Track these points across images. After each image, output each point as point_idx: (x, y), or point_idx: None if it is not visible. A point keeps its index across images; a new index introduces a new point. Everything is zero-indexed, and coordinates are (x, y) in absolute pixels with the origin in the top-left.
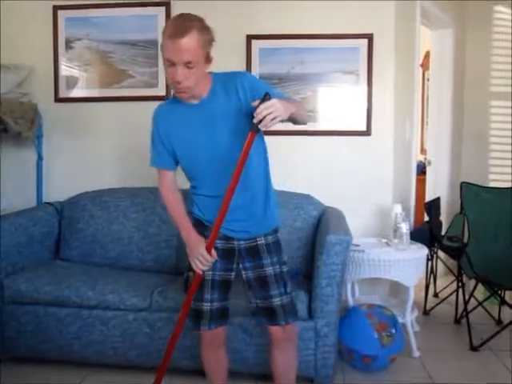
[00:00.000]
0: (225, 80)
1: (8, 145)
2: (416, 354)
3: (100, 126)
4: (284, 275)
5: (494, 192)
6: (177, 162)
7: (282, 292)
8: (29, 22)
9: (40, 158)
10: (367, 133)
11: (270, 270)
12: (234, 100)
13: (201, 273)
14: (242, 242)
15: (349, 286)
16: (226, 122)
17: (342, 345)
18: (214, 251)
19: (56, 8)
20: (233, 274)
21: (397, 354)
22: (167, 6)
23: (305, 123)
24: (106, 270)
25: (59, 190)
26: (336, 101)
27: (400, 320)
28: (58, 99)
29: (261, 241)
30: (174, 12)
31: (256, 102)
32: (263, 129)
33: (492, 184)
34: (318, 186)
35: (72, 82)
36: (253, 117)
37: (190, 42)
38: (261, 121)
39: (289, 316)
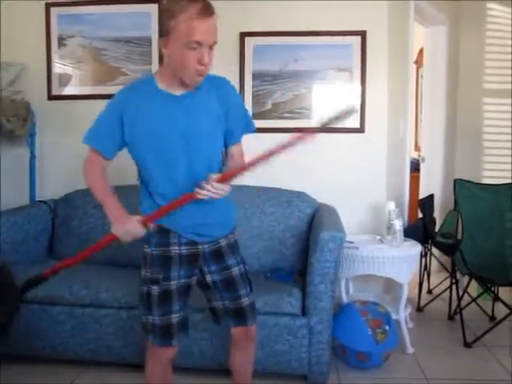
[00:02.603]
0: (213, 80)
1: (1, 143)
2: (410, 350)
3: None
4: (247, 274)
5: (488, 189)
6: (113, 155)
7: (248, 291)
8: (21, 19)
9: (33, 155)
10: (361, 130)
11: (236, 271)
12: (217, 102)
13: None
14: (205, 246)
15: (343, 283)
16: (205, 120)
17: (336, 342)
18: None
19: (48, 5)
20: (195, 278)
21: (391, 350)
22: (160, 2)
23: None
24: (99, 268)
25: (53, 187)
26: (329, 98)
27: (394, 317)
28: (50, 97)
29: (223, 242)
30: None
31: (214, 177)
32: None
33: (486, 181)
34: (312, 183)
35: (65, 79)
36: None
37: (215, 22)
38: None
39: (254, 316)
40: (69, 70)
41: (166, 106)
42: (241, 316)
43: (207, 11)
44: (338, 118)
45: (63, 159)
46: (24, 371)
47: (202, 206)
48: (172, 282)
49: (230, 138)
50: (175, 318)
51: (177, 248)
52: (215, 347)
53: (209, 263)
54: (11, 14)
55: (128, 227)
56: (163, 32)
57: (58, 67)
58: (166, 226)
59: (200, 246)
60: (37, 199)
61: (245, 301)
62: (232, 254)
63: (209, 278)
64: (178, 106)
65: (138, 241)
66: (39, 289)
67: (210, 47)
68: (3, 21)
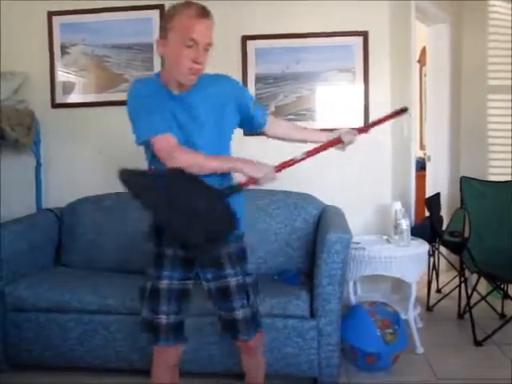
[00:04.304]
0: (217, 78)
1: (6, 152)
2: (420, 350)
3: (97, 130)
4: (247, 287)
5: (494, 186)
6: None
7: (244, 304)
8: (24, 28)
9: (38, 163)
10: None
11: (233, 281)
12: (220, 98)
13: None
14: None
15: (350, 284)
16: (204, 116)
17: (345, 343)
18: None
19: (51, 14)
20: (191, 282)
21: (400, 350)
22: (161, 8)
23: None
24: (106, 275)
25: (59, 195)
26: (333, 99)
27: (403, 317)
28: (54, 105)
29: (225, 251)
30: None
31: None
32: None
33: (492, 178)
34: (317, 185)
35: (68, 87)
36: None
37: (211, 25)
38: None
39: (251, 330)
40: (72, 77)
41: (168, 103)
42: (233, 329)
43: (204, 13)
44: (392, 117)
45: (69, 166)
46: (33, 379)
47: None
48: (162, 281)
49: (255, 122)
50: (162, 318)
51: (170, 249)
52: (223, 351)
53: (205, 270)
54: (13, 24)
55: (265, 165)
56: (162, 33)
57: (61, 75)
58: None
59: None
60: (43, 207)
61: (238, 314)
62: (231, 263)
63: (205, 286)
64: (176, 104)
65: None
66: (47, 297)
67: (205, 49)
68: (6, 30)
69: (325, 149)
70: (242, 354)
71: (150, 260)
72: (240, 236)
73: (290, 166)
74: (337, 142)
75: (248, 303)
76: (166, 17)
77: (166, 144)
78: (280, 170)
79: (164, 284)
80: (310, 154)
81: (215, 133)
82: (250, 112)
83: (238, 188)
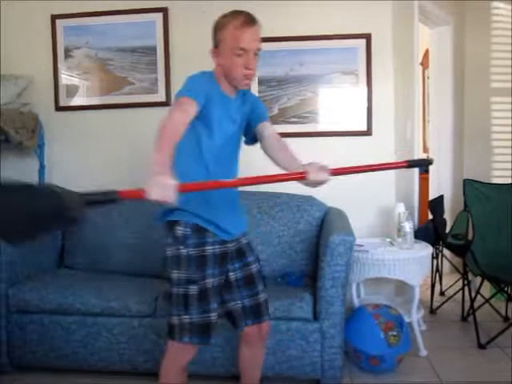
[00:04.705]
0: (251, 96)
1: (10, 154)
2: (423, 353)
3: (101, 133)
4: (261, 272)
5: (498, 188)
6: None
7: (263, 288)
8: (27, 31)
9: (42, 166)
10: (368, 133)
11: (254, 268)
12: (247, 110)
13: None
14: (232, 244)
15: (354, 287)
16: (240, 124)
17: (348, 346)
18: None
19: (54, 17)
20: (224, 277)
21: (404, 353)
22: (165, 12)
23: None
24: (110, 277)
25: None
26: (336, 102)
27: (406, 319)
28: (58, 108)
29: (244, 240)
30: (172, 18)
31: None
32: None
33: (495, 180)
34: (321, 187)
35: (72, 90)
36: None
37: (258, 30)
38: None
39: (268, 311)
40: (76, 81)
41: (219, 100)
42: (258, 312)
43: (250, 21)
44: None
45: (72, 169)
46: (36, 381)
47: (233, 201)
48: (208, 281)
49: (256, 119)
50: (214, 316)
51: (211, 247)
52: (227, 354)
53: (234, 261)
54: (17, 27)
55: (167, 184)
56: (215, 43)
57: (65, 78)
58: (201, 226)
59: (228, 245)
60: None
61: (262, 296)
62: (251, 251)
63: (232, 276)
64: (225, 102)
65: (171, 243)
66: (51, 299)
67: (255, 54)
68: (9, 34)
69: (286, 179)
70: (246, 348)
71: (184, 263)
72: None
73: (196, 188)
74: (300, 176)
75: (265, 286)
76: (215, 28)
77: (182, 105)
78: (184, 190)
79: (209, 283)
80: (262, 179)
81: (239, 140)
82: (254, 110)
83: (108, 197)
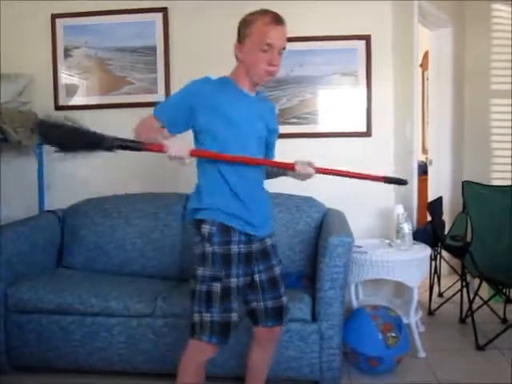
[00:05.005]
0: (265, 96)
1: (9, 154)
2: (422, 354)
3: (100, 132)
4: (283, 274)
5: (497, 190)
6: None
7: (284, 290)
8: (27, 30)
9: (41, 166)
10: (367, 134)
11: (277, 270)
12: (266, 114)
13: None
14: (257, 244)
15: (352, 288)
16: (261, 126)
17: (347, 347)
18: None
19: (54, 16)
20: (249, 277)
21: (402, 354)
22: (165, 11)
23: None
24: (109, 277)
25: (61, 197)
26: (335, 103)
27: (405, 321)
28: (58, 107)
29: (269, 242)
30: (172, 17)
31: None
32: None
33: (494, 182)
34: (320, 188)
35: (72, 89)
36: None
37: (285, 31)
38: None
39: (287, 316)
40: (75, 80)
41: (244, 103)
42: (279, 315)
43: (278, 20)
44: (394, 181)
45: (71, 169)
46: (35, 381)
47: (262, 202)
48: (232, 280)
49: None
50: (234, 316)
51: (236, 246)
52: (225, 355)
53: (258, 262)
54: (17, 26)
55: (184, 146)
56: (240, 39)
57: (65, 78)
58: (227, 224)
59: (253, 245)
60: (45, 209)
61: (284, 299)
62: (274, 254)
63: (257, 277)
64: (242, 98)
65: (200, 241)
66: (49, 299)
67: (279, 52)
68: (9, 33)
69: (277, 166)
70: (257, 347)
71: (209, 260)
72: (273, 232)
73: (209, 155)
74: (290, 166)
75: (285, 289)
76: (242, 24)
77: (147, 120)
78: (197, 154)
79: (233, 282)
80: (257, 162)
81: (262, 140)
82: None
83: (135, 144)
